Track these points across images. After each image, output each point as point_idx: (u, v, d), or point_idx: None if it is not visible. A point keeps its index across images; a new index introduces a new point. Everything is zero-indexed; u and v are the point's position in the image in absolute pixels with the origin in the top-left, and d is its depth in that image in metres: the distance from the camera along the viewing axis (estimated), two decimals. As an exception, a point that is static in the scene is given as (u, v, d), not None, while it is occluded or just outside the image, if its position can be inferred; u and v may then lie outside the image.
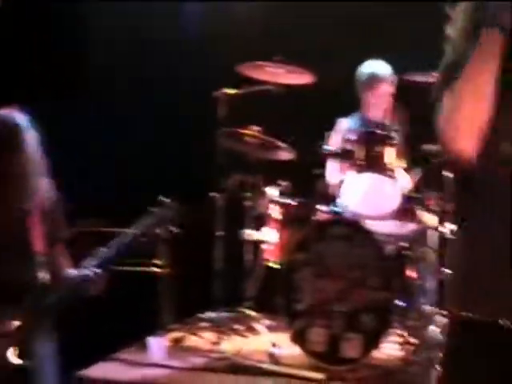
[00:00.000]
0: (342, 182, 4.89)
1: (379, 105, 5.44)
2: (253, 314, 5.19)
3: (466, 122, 1.93)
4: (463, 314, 2.03)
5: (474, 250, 2.02)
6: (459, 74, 1.96)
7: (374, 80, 5.39)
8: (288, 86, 5.28)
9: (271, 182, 5.24)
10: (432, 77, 4.82)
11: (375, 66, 5.44)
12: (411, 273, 4.88)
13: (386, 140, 4.87)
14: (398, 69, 5.28)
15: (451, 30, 2.14)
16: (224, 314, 5.21)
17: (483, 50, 1.96)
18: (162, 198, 3.36)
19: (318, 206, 4.96)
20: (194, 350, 4.76)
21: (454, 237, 2.16)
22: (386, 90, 5.40)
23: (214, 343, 4.84)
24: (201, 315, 5.29)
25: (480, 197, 2.02)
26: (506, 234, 1.95)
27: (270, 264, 5.12)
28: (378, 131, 4.92)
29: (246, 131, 5.19)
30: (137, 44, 6.28)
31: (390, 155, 4.87)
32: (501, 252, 1.96)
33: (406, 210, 4.88)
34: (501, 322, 1.95)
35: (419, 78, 4.83)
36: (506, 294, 1.95)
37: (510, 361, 1.95)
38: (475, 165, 1.95)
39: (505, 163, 1.97)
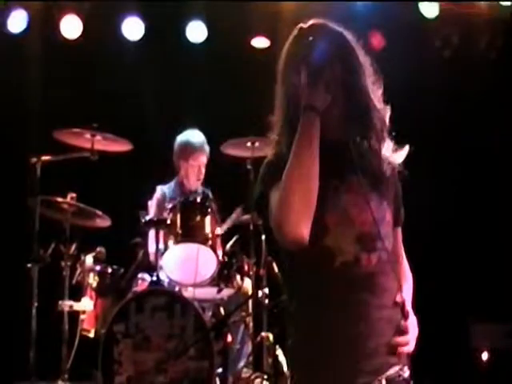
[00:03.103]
0: (161, 250, 4.94)
1: (194, 173, 5.55)
2: (69, 386, 5.07)
3: (297, 209, 2.02)
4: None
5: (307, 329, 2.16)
6: (283, 169, 2.06)
7: (187, 149, 5.53)
8: (105, 153, 5.27)
9: (88, 250, 5.18)
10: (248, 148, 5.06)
11: (189, 136, 5.58)
12: (230, 338, 4.98)
13: (202, 209, 4.99)
14: (217, 139, 5.43)
15: (274, 118, 2.29)
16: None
17: (303, 135, 2.09)
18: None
19: (138, 275, 4.98)
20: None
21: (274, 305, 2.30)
22: (199, 159, 5.53)
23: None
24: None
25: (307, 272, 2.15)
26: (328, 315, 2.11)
27: (88, 334, 5.04)
28: (195, 200, 5.04)
29: (62, 199, 5.10)
30: None
31: (208, 223, 4.98)
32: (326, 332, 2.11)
33: (222, 276, 5.02)
34: None
35: (236, 150, 5.05)
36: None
37: None
38: (306, 247, 2.06)
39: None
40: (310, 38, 2.21)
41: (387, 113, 2.27)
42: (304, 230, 2.04)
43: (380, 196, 2.22)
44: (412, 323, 2.18)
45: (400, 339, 2.13)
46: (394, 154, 2.30)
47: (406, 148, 2.32)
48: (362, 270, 2.12)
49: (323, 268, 2.13)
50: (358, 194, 2.16)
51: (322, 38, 2.20)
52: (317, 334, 2.14)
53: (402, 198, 2.35)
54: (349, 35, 2.27)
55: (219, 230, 5.08)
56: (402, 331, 2.14)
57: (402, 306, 2.15)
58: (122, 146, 5.34)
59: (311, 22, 2.30)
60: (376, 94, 2.24)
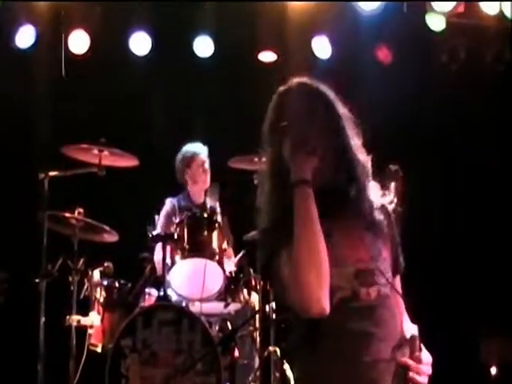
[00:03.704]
0: (168, 265, 4.95)
1: (200, 177, 5.60)
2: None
3: (315, 284, 2.04)
4: None
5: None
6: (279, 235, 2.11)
7: (188, 156, 5.63)
8: (112, 168, 5.29)
9: (96, 264, 5.19)
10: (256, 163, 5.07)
11: (188, 146, 5.69)
12: (237, 352, 4.98)
13: (210, 224, 5.01)
14: (224, 153, 5.45)
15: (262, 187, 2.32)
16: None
17: (303, 210, 2.11)
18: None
19: (145, 290, 4.99)
20: None
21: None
22: (201, 162, 5.60)
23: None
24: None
25: None
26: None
27: (95, 349, 5.04)
28: (202, 215, 5.05)
29: (70, 214, 5.13)
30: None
31: (215, 238, 5.00)
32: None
33: (229, 291, 5.02)
34: None
35: (243, 165, 5.05)
36: None
37: None
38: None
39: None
40: (283, 123, 2.22)
41: (369, 162, 2.29)
42: (325, 303, 2.07)
43: (374, 235, 2.23)
44: (426, 358, 2.13)
45: (418, 368, 2.09)
46: (383, 199, 2.31)
47: (392, 186, 2.32)
48: (362, 304, 2.13)
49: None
50: (351, 234, 2.19)
51: (300, 103, 2.24)
52: (324, 368, 2.15)
53: (402, 241, 2.34)
54: (327, 91, 2.30)
55: (227, 267, 5.11)
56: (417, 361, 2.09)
57: (413, 340, 2.11)
58: (128, 162, 5.36)
59: (289, 84, 2.32)
60: (358, 145, 2.27)
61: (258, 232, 2.31)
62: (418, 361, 2.09)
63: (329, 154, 2.21)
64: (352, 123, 2.29)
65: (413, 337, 2.11)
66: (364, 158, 2.27)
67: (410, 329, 2.15)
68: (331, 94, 2.29)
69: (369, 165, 2.28)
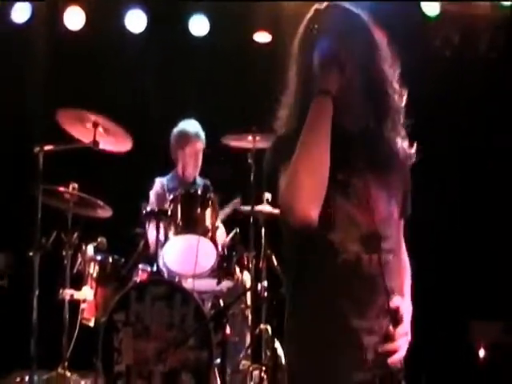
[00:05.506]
0: (161, 241, 4.96)
1: (192, 160, 5.59)
2: (68, 374, 5.09)
3: (307, 191, 2.00)
4: None
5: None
6: (293, 147, 2.05)
7: (183, 137, 5.58)
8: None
9: (89, 239, 5.20)
10: (249, 141, 5.09)
11: (184, 125, 5.64)
12: (229, 329, 5.01)
13: (203, 201, 5.02)
14: (218, 131, 5.46)
15: (286, 98, 2.26)
16: (40, 374, 5.08)
17: (312, 118, 2.06)
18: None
19: (138, 265, 5.01)
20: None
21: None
22: (196, 146, 5.57)
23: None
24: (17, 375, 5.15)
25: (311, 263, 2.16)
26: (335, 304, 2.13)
27: (88, 323, 5.06)
28: (196, 192, 5.07)
29: (64, 188, 5.12)
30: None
31: (208, 215, 5.01)
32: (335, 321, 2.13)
33: (222, 269, 5.04)
34: None
35: (236, 142, 5.07)
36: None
37: None
38: (313, 230, 2.05)
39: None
40: (316, 26, 2.19)
41: (403, 97, 2.24)
42: (313, 211, 2.03)
43: (388, 192, 2.20)
44: (404, 328, 2.17)
45: (388, 346, 2.13)
46: (406, 143, 2.28)
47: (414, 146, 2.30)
48: (364, 270, 2.13)
49: (327, 263, 2.14)
50: (367, 192, 2.14)
51: (336, 21, 2.19)
52: (317, 323, 2.16)
53: (412, 192, 2.33)
54: (365, 16, 2.25)
55: (221, 216, 5.13)
56: (390, 338, 2.13)
57: (395, 312, 2.14)
58: (123, 144, 5.32)
59: (326, 3, 2.27)
60: (393, 77, 2.22)
61: (274, 138, 2.25)
62: (392, 338, 2.12)
63: (357, 79, 2.15)
64: (389, 54, 2.23)
65: (393, 309, 2.14)
66: (398, 91, 2.22)
67: (397, 299, 2.17)
68: (370, 21, 2.24)
69: (402, 99, 2.23)
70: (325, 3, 2.28)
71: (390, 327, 2.13)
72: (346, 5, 2.27)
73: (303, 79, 2.22)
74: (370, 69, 2.19)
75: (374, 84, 2.20)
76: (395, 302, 2.16)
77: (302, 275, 2.19)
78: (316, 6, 2.28)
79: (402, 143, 2.28)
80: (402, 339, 2.15)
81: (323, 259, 2.14)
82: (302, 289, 2.20)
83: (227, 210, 5.26)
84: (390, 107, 2.22)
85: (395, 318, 2.14)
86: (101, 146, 5.11)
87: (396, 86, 2.23)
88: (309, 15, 2.28)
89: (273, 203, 5.06)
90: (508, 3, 6.61)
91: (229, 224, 5.33)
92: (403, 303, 2.20)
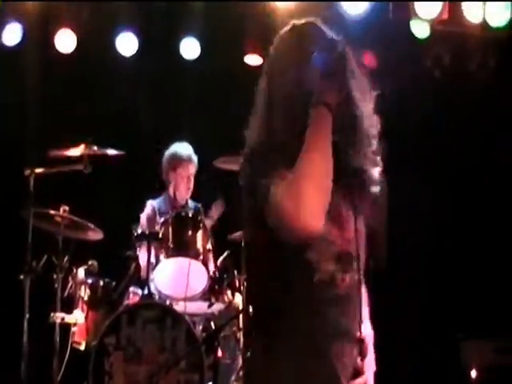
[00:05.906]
0: (153, 264, 4.96)
1: (184, 183, 5.59)
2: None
3: (315, 202, 1.96)
4: None
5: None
6: (284, 157, 2.02)
7: (175, 159, 5.59)
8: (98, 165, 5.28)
9: (80, 262, 5.19)
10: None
11: (177, 147, 5.65)
12: (220, 352, 5.00)
13: (194, 223, 5.03)
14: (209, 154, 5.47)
15: (256, 109, 2.24)
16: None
17: (316, 129, 2.03)
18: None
19: (129, 289, 5.00)
20: None
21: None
22: (188, 168, 5.58)
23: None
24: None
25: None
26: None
27: (79, 346, 5.04)
28: (187, 214, 5.08)
29: (55, 211, 5.12)
30: None
31: (199, 238, 5.02)
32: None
33: (213, 291, 5.04)
34: None
35: (229, 165, 5.07)
36: None
37: None
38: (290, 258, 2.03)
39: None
40: (309, 40, 2.19)
41: (376, 123, 2.22)
42: (321, 222, 1.98)
43: (355, 214, 2.17)
44: (369, 361, 2.15)
45: (356, 382, 2.10)
46: (377, 169, 2.23)
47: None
48: (335, 291, 2.09)
49: (302, 282, 2.09)
50: (338, 210, 2.12)
51: (327, 38, 2.20)
52: (297, 362, 2.09)
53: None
54: (341, 41, 2.21)
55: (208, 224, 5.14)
56: (359, 372, 2.10)
57: (362, 342, 2.11)
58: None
59: (304, 20, 2.28)
60: (363, 103, 2.18)
61: (248, 152, 2.18)
62: (360, 372, 2.10)
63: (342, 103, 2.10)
64: (366, 84, 2.19)
65: (361, 340, 2.11)
66: (373, 120, 2.18)
67: (365, 328, 2.14)
68: (347, 49, 2.16)
69: (376, 127, 2.20)
70: (302, 20, 2.29)
71: (358, 360, 2.10)
72: (323, 27, 2.28)
73: (290, 91, 2.18)
74: (352, 95, 2.16)
75: (352, 109, 2.16)
76: (364, 329, 2.12)
77: (279, 301, 2.13)
78: (293, 21, 2.29)
79: (371, 168, 2.22)
80: (369, 372, 2.15)
81: (300, 278, 2.10)
82: (281, 318, 2.12)
83: (213, 215, 5.28)
84: (359, 130, 2.17)
85: (362, 349, 2.10)
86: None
87: (367, 111, 2.19)
88: (289, 29, 2.28)
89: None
90: (498, 23, 6.65)
91: (220, 247, 5.33)
92: (368, 330, 2.18)
